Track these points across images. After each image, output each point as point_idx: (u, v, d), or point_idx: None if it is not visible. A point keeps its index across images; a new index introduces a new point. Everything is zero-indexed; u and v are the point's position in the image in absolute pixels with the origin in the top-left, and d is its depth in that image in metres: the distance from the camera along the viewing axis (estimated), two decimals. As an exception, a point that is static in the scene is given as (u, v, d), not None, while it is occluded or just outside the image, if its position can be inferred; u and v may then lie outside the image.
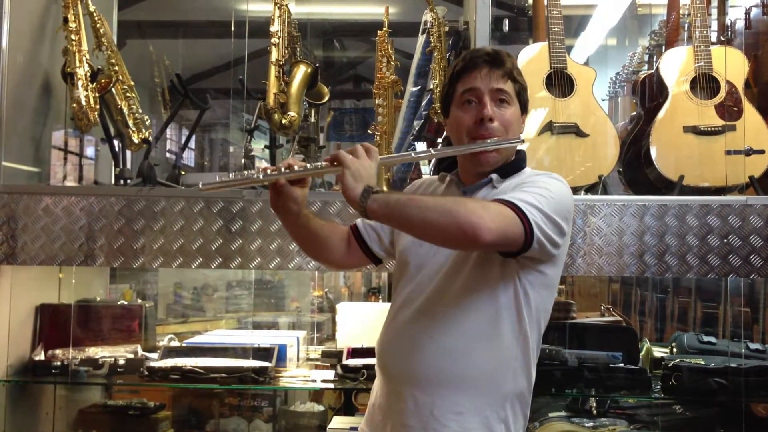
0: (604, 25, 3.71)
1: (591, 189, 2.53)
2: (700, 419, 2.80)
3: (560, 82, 2.60)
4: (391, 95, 2.79)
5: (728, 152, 2.50)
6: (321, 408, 2.96)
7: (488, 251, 1.56)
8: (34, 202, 2.49)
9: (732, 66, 2.60)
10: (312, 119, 2.89)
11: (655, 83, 2.70)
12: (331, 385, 2.75)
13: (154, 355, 2.86)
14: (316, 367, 2.90)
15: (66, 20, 2.61)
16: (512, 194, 1.53)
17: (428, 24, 2.80)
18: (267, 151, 2.76)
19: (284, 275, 4.10)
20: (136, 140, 2.76)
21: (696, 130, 2.55)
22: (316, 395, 3.08)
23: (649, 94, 2.72)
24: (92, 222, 2.49)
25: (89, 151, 2.95)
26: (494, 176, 1.68)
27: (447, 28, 2.80)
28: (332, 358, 2.89)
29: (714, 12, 2.82)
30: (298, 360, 2.99)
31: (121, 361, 2.77)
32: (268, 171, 1.62)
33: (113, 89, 2.71)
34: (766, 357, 2.73)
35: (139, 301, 3.30)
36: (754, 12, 2.87)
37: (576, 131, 2.55)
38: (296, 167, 1.61)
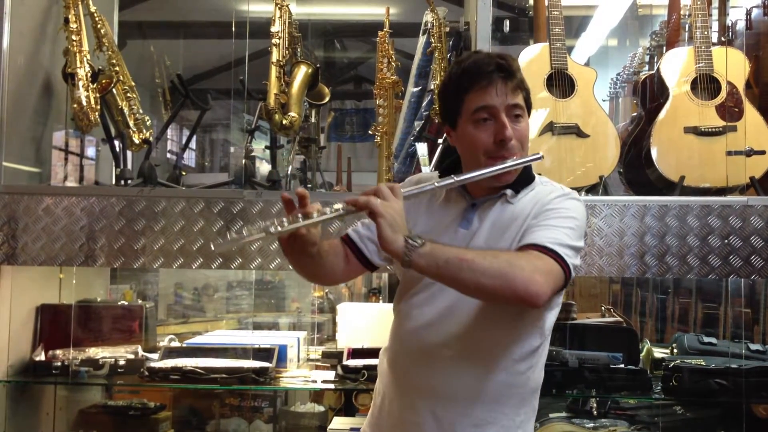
0: (604, 26, 3.71)
1: (592, 189, 2.53)
2: (701, 420, 2.80)
3: (561, 83, 2.60)
4: (391, 96, 2.79)
5: (729, 153, 2.50)
6: (321, 408, 2.96)
7: None
8: (35, 202, 2.49)
9: (733, 67, 2.60)
10: (313, 120, 2.90)
11: (656, 84, 2.70)
12: (332, 386, 2.75)
13: (155, 356, 2.86)
14: (317, 367, 2.90)
15: (67, 21, 2.62)
16: (544, 233, 1.50)
17: (429, 25, 2.80)
18: (268, 151, 2.76)
19: (285, 276, 4.09)
20: (136, 141, 2.76)
21: (697, 131, 2.55)
22: (317, 396, 3.08)
23: (650, 94, 2.73)
24: (93, 222, 2.49)
25: (90, 151, 2.95)
26: (509, 192, 1.62)
27: (448, 29, 2.80)
28: (333, 358, 2.89)
29: (715, 13, 2.82)
30: (298, 360, 2.99)
31: (122, 362, 2.77)
32: (285, 222, 1.47)
33: (114, 89, 2.72)
34: (766, 358, 2.73)
35: (140, 301, 3.29)
36: (755, 12, 2.87)
37: (577, 132, 2.55)
38: (315, 214, 1.47)
